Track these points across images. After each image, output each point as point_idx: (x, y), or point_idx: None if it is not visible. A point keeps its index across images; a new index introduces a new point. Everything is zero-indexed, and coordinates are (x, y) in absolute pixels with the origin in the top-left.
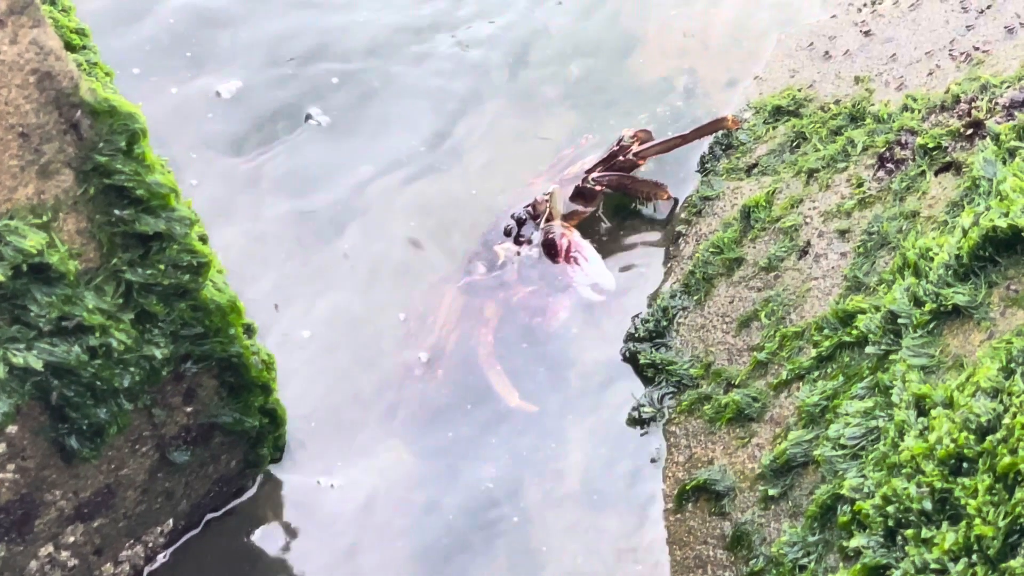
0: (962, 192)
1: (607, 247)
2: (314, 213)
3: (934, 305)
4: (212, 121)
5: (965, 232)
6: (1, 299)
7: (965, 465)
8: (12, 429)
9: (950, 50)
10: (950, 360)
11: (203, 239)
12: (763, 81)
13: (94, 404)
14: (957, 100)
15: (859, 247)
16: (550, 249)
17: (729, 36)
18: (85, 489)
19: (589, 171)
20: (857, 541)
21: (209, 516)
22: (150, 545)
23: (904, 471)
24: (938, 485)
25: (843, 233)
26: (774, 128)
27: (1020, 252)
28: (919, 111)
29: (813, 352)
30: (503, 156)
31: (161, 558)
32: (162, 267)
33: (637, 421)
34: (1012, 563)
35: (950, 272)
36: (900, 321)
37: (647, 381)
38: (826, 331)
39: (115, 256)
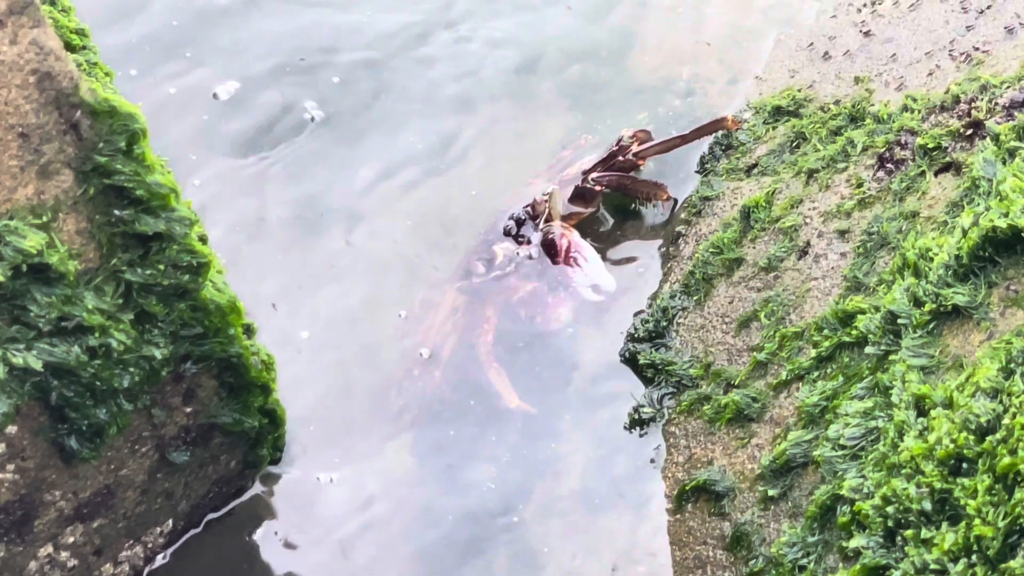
0: (962, 192)
1: (607, 247)
2: (313, 213)
3: (934, 305)
4: (210, 122)
5: (965, 232)
6: (1, 299)
7: (965, 465)
8: (12, 429)
9: (950, 50)
10: (950, 360)
11: (203, 239)
12: (763, 81)
13: (94, 404)
14: (957, 100)
15: (859, 247)
16: (550, 249)
17: (729, 36)
18: (85, 489)
19: (588, 171)
20: (857, 541)
21: (209, 516)
22: (150, 545)
23: (904, 471)
24: (938, 485)
25: (843, 233)
26: (774, 128)
27: (1020, 252)
28: (919, 111)
29: (813, 352)
30: (502, 156)
31: (161, 558)
32: (162, 267)
33: (637, 421)
34: (1012, 563)
35: (950, 272)
36: (900, 321)
37: (647, 381)
38: (826, 331)
39: (115, 256)
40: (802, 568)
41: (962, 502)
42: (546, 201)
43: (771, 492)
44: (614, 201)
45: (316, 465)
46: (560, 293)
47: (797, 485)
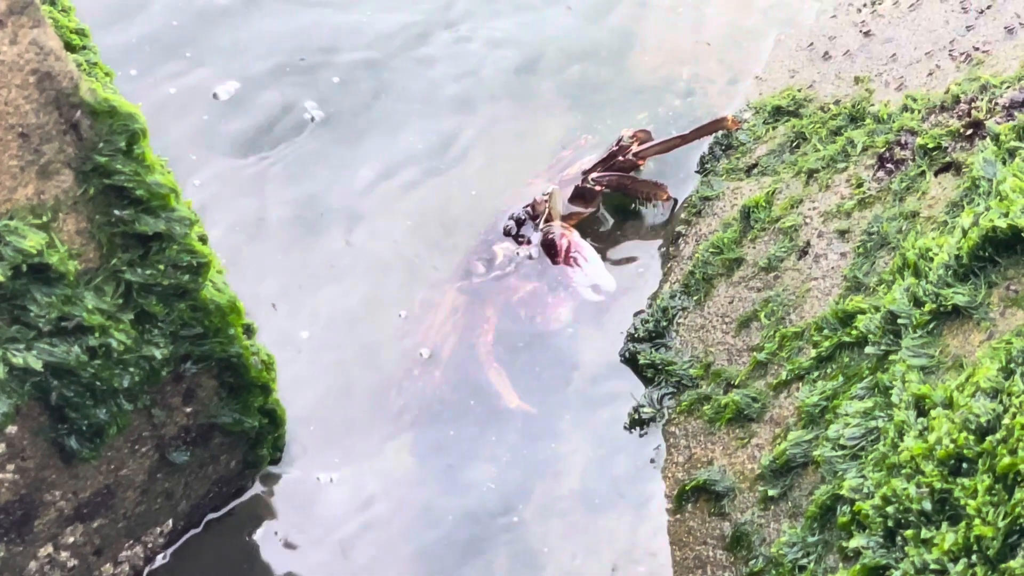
0: (962, 192)
1: (607, 247)
2: (313, 213)
3: (934, 305)
4: (210, 122)
5: (965, 232)
6: (1, 299)
7: (965, 465)
8: (12, 429)
9: (950, 50)
10: (950, 360)
11: (203, 239)
12: (763, 81)
13: (94, 404)
14: (957, 100)
15: (859, 247)
16: (550, 249)
17: (729, 36)
18: (85, 489)
19: (588, 171)
20: (857, 541)
21: (209, 516)
22: (150, 545)
23: (904, 471)
24: (938, 485)
25: (843, 233)
26: (774, 128)
27: (1020, 252)
28: (919, 111)
29: (813, 352)
30: (502, 156)
31: (160, 559)
32: (162, 267)
33: (637, 421)
34: (1012, 563)
35: (950, 272)
36: (900, 321)
37: (647, 381)
38: (826, 331)
39: (115, 256)
40: (802, 568)
41: (962, 502)
42: (546, 201)
43: (771, 492)
44: (614, 201)
45: (316, 465)
46: (560, 293)
47: (797, 485)
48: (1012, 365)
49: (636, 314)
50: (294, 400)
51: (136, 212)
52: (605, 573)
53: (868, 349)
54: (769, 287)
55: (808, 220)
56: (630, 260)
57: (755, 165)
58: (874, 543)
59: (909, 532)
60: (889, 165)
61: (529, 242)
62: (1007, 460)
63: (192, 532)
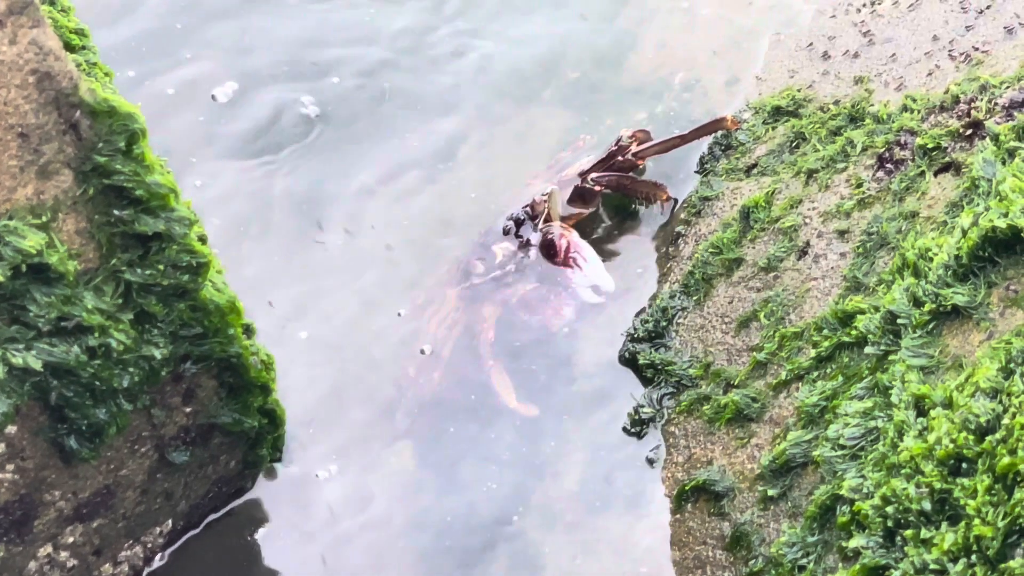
0: (961, 192)
1: (606, 248)
2: (312, 214)
3: (933, 305)
4: (210, 124)
5: (964, 232)
6: (0, 299)
7: (964, 465)
8: (11, 429)
9: (950, 50)
10: (949, 360)
11: (202, 239)
12: (762, 81)
13: (93, 404)
14: (956, 100)
15: (858, 247)
16: (549, 250)
17: (728, 36)
18: (84, 489)
19: (588, 171)
20: (856, 541)
21: (209, 517)
22: (149, 546)
23: (903, 471)
24: (937, 485)
25: (842, 233)
26: (773, 128)
27: (1019, 252)
28: (918, 111)
29: (812, 352)
30: (502, 157)
31: (160, 559)
32: (161, 267)
33: (636, 421)
34: (1011, 563)
35: (949, 272)
36: (899, 321)
37: (646, 382)
38: (825, 331)
39: (114, 256)
40: (801, 568)
41: (962, 502)
42: (545, 201)
43: (771, 492)
44: (613, 201)
45: (316, 465)
46: (560, 293)
47: (797, 485)
48: (1012, 365)
49: (636, 314)
50: (294, 400)
51: (136, 212)
52: (605, 573)
53: (868, 349)
54: (769, 287)
55: (808, 220)
56: (629, 260)
57: (755, 165)
58: (874, 543)
59: (909, 532)
60: (889, 165)
61: (528, 242)
62: (1007, 460)
63: (192, 532)
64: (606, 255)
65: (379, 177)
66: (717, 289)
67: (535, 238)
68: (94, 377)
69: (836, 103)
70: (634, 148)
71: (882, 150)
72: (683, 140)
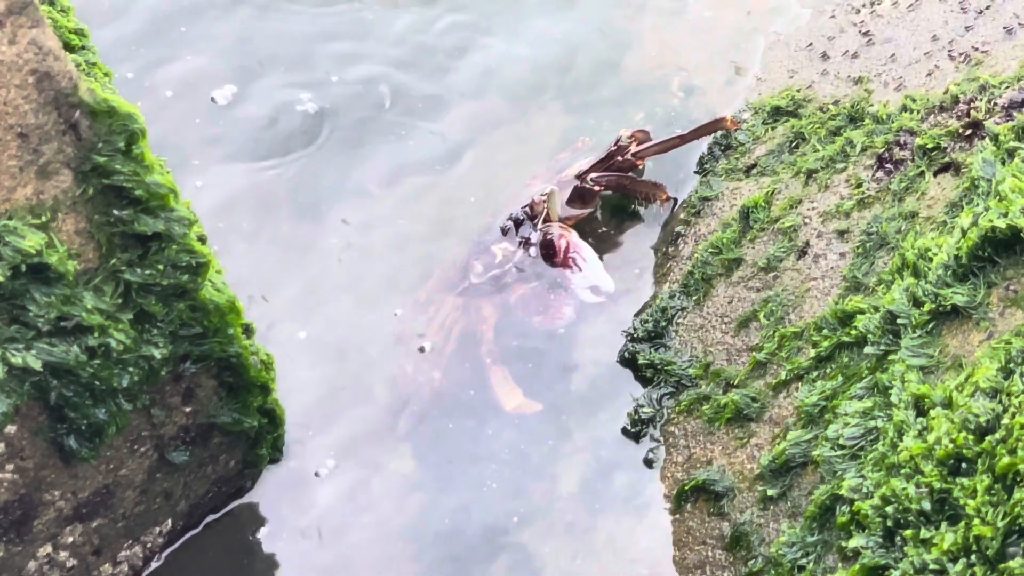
0: (961, 192)
1: (605, 248)
2: (312, 214)
3: (933, 305)
4: (209, 126)
5: (964, 232)
6: (0, 299)
7: (964, 465)
8: (11, 429)
9: (949, 51)
10: (949, 360)
11: (202, 239)
12: (762, 81)
13: (93, 404)
14: (956, 101)
15: (858, 247)
16: (548, 250)
17: (727, 36)
18: (84, 489)
19: (587, 171)
20: (856, 541)
21: (208, 516)
22: (149, 545)
23: (903, 471)
24: (937, 485)
25: (842, 233)
26: (773, 129)
27: (1019, 252)
28: (918, 112)
29: (812, 352)
30: (501, 158)
31: (160, 559)
32: (161, 267)
33: (636, 421)
34: (1011, 563)
35: (949, 272)
36: (899, 321)
37: (646, 381)
38: (825, 331)
39: (114, 256)
40: (801, 568)
41: (961, 502)
42: (544, 202)
43: (770, 492)
44: (613, 202)
45: (315, 465)
46: (559, 293)
47: (796, 485)
48: (1011, 365)
49: (635, 314)
50: (293, 400)
51: (135, 212)
52: (605, 573)
53: (867, 349)
54: (768, 287)
55: (807, 220)
56: (629, 261)
57: (754, 165)
58: (873, 543)
59: (908, 532)
60: (888, 165)
61: (528, 243)
62: (1006, 460)
63: (191, 532)
64: (605, 255)
65: (378, 178)
66: (717, 289)
67: (534, 238)
68: (94, 377)
69: (836, 103)
70: (633, 148)
71: (882, 150)
72: (683, 140)
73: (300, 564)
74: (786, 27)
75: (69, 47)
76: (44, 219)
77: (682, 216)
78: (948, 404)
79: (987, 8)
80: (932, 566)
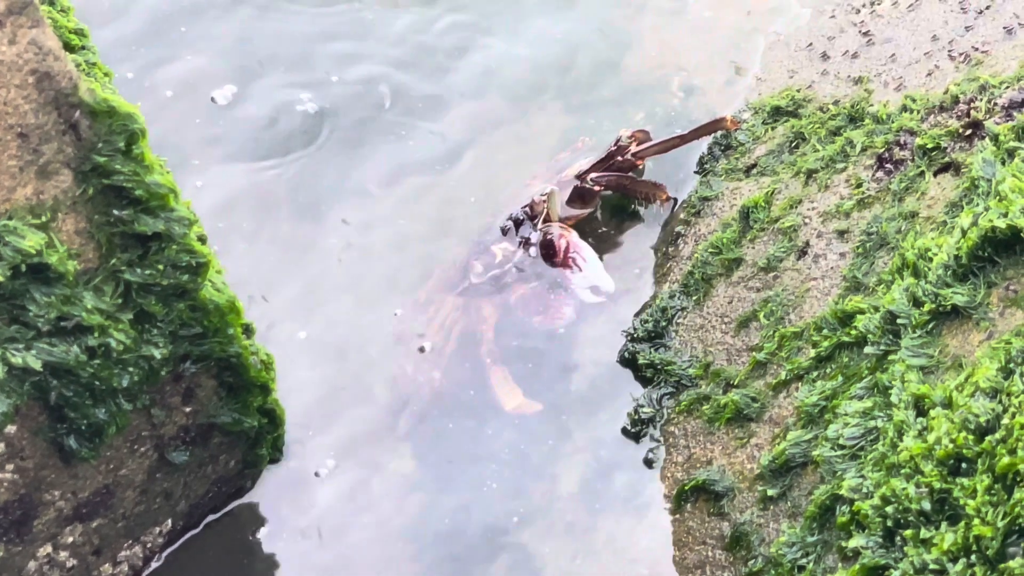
0: (961, 192)
1: (605, 248)
2: (311, 214)
3: (933, 305)
4: (209, 126)
5: (964, 232)
6: (0, 299)
7: (964, 465)
8: (11, 429)
9: (949, 51)
10: (949, 360)
11: (202, 239)
12: (762, 81)
13: (93, 404)
14: (956, 101)
15: (858, 247)
16: (548, 250)
17: (727, 36)
18: (84, 489)
19: (587, 172)
20: (856, 541)
21: (208, 516)
22: (149, 545)
23: (903, 471)
24: (937, 485)
25: (842, 233)
26: (773, 129)
27: (1019, 252)
28: (918, 112)
29: (812, 352)
30: (501, 158)
31: (160, 559)
32: (161, 267)
33: (636, 421)
34: (1011, 563)
35: (949, 272)
36: (899, 321)
37: (646, 381)
38: (825, 331)
39: (114, 256)
40: (801, 568)
41: (961, 502)
42: (544, 202)
43: (770, 492)
44: (613, 202)
45: (315, 465)
46: (559, 293)
47: (796, 485)
48: (1011, 365)
49: (635, 314)
50: (293, 400)
51: (135, 212)
52: (605, 573)
53: (867, 349)
54: (768, 287)
55: (807, 220)
56: (629, 261)
57: (754, 165)
58: (873, 543)
59: (908, 532)
60: (888, 165)
61: (527, 242)
62: (1006, 460)
63: (191, 532)
64: (605, 255)
65: (378, 178)
66: (717, 289)
67: (534, 238)
68: (94, 377)
69: (836, 103)
70: (633, 148)
71: (882, 150)
72: (683, 140)
73: (300, 564)
74: (786, 27)
75: (69, 47)
76: (44, 219)
77: (682, 216)
78: (948, 404)
79: (987, 8)
80: (932, 566)
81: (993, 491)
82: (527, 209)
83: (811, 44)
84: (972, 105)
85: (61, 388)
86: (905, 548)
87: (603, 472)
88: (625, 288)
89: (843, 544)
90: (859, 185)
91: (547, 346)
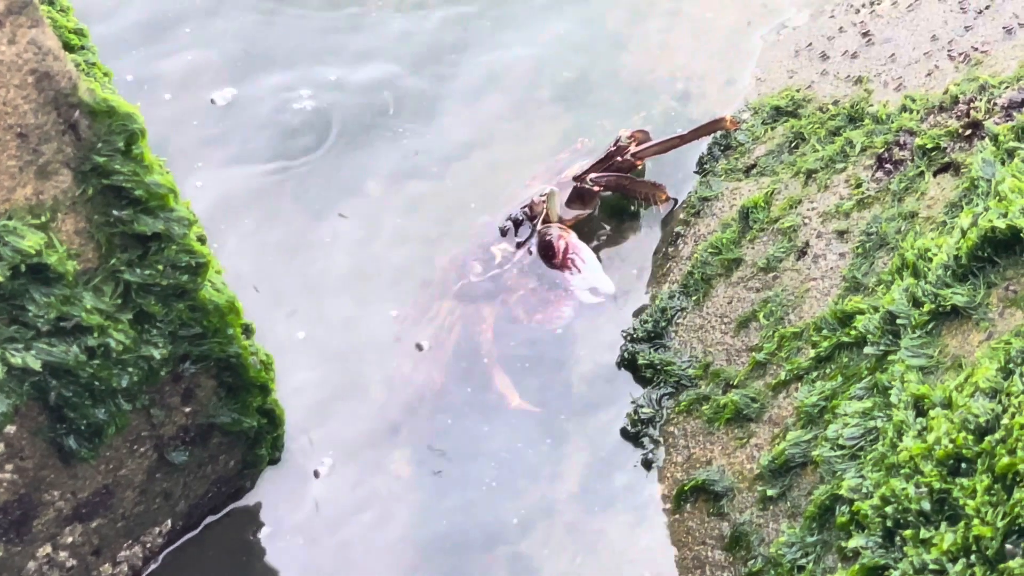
0: (961, 193)
1: (605, 249)
2: (310, 214)
3: (933, 306)
4: (208, 127)
5: (964, 233)
6: (0, 299)
7: (964, 465)
8: (10, 429)
9: (949, 51)
10: (949, 360)
11: (201, 240)
12: (761, 82)
13: (92, 404)
14: (956, 101)
15: (858, 248)
16: (547, 251)
17: (726, 37)
18: (83, 489)
19: (586, 172)
20: (856, 542)
21: (208, 517)
22: (148, 546)
23: (903, 471)
24: (937, 485)
25: (842, 234)
26: (772, 129)
27: (1019, 253)
28: (918, 112)
29: (812, 353)
30: (500, 159)
31: (159, 559)
32: (161, 267)
33: (635, 422)
34: (1011, 563)
35: (949, 273)
36: (899, 322)
37: (645, 382)
38: (825, 332)
39: (114, 256)
40: (801, 568)
41: (961, 502)
42: (544, 202)
43: (770, 492)
44: (612, 202)
45: (315, 465)
46: (559, 294)
47: (796, 485)
48: (1011, 365)
49: (635, 315)
50: (293, 400)
51: (135, 212)
52: (605, 574)
53: (867, 349)
54: (768, 287)
55: (807, 220)
56: (629, 261)
57: (754, 165)
58: (873, 543)
59: (908, 532)
60: (888, 165)
61: (527, 243)
62: (1006, 460)
63: (191, 532)
64: (605, 256)
65: (378, 179)
66: (716, 289)
67: (534, 239)
68: (93, 377)
69: (835, 103)
70: (633, 148)
71: (881, 150)
72: (682, 140)
73: (299, 564)
74: (786, 27)
75: (69, 47)
76: (44, 219)
77: (682, 216)
78: (948, 404)
79: (987, 8)
80: (932, 566)
81: (993, 491)
82: (526, 210)
83: (811, 44)
84: (972, 105)
85: (60, 388)
86: (905, 548)
87: (603, 472)
88: (625, 288)
89: (843, 544)
90: (859, 185)
91: (546, 346)
